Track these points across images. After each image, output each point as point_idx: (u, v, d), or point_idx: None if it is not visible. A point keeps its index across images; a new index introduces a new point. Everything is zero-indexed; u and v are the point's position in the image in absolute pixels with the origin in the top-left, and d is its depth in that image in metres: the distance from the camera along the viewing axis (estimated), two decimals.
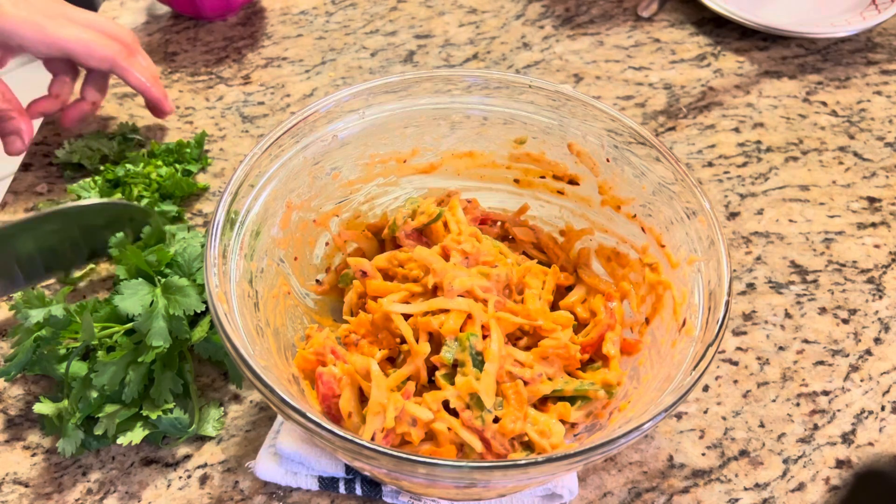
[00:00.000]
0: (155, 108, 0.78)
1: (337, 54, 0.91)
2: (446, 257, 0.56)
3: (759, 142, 0.82)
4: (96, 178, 0.73)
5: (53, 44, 0.69)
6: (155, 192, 0.72)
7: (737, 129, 0.83)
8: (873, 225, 0.74)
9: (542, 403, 0.54)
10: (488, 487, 0.50)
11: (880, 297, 0.69)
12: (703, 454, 0.59)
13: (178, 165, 0.75)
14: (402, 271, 0.57)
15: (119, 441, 0.55)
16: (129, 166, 0.73)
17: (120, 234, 0.62)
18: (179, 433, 0.57)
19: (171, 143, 0.78)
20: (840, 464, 0.59)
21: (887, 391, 0.63)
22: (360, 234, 0.63)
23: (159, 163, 0.74)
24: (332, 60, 0.90)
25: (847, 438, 0.60)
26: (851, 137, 0.83)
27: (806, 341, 0.66)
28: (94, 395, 0.56)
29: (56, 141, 0.80)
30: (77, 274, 0.68)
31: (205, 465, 0.58)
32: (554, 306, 0.59)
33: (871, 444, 0.60)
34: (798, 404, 0.62)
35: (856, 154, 0.81)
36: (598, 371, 0.55)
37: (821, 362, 0.64)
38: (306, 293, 0.60)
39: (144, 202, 0.70)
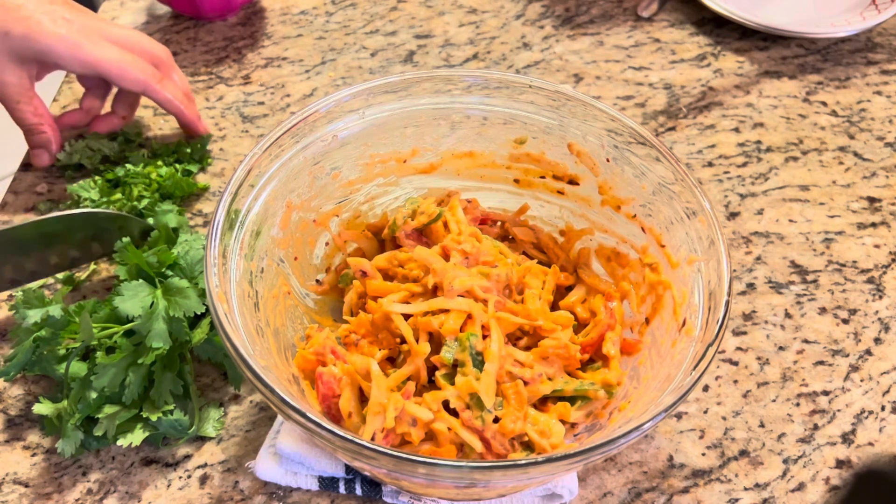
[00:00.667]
0: (188, 128, 0.79)
1: (337, 54, 0.91)
2: (446, 257, 0.56)
3: (759, 142, 0.82)
4: (96, 178, 0.73)
5: (88, 63, 0.69)
6: (155, 192, 0.72)
7: (737, 129, 0.83)
8: (873, 225, 0.74)
9: (542, 403, 0.54)
10: (488, 487, 0.50)
11: (880, 297, 0.69)
12: (703, 454, 0.59)
13: (178, 165, 0.75)
14: (402, 271, 0.57)
15: (119, 443, 0.55)
16: (129, 166, 0.73)
17: (126, 239, 0.62)
18: (179, 435, 0.57)
19: (172, 142, 0.78)
20: (840, 464, 0.59)
21: (887, 391, 0.63)
22: (360, 234, 0.63)
23: (159, 163, 0.74)
24: (332, 60, 0.90)
25: (847, 438, 0.60)
26: (851, 137, 0.83)
27: (806, 341, 0.66)
28: (94, 395, 0.56)
29: None
30: (81, 276, 0.68)
31: (205, 465, 0.58)
32: (554, 306, 0.59)
33: (871, 444, 0.60)
34: (798, 404, 0.62)
35: (856, 154, 0.81)
36: (598, 371, 0.55)
37: (821, 362, 0.64)
38: (306, 293, 0.60)
39: (144, 202, 0.70)
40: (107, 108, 0.80)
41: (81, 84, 0.78)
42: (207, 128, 0.79)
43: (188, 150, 0.77)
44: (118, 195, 0.71)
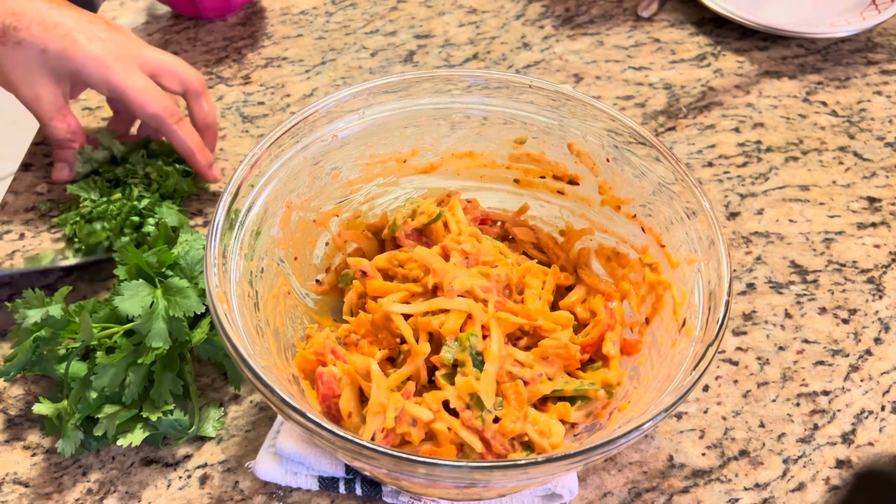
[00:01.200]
0: (197, 173, 0.75)
1: (337, 54, 0.91)
2: (446, 257, 0.56)
3: (759, 142, 0.82)
4: (96, 178, 0.73)
5: (113, 88, 0.69)
6: (155, 192, 0.72)
7: (737, 129, 0.83)
8: (873, 225, 0.74)
9: (542, 403, 0.54)
10: (488, 487, 0.50)
11: (880, 297, 0.69)
12: (703, 454, 0.59)
13: (178, 166, 0.75)
14: (402, 271, 0.57)
15: (119, 443, 0.55)
16: (129, 166, 0.73)
17: (125, 238, 0.62)
18: (179, 434, 0.57)
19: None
20: (840, 464, 0.59)
21: (887, 391, 0.63)
22: (360, 234, 0.63)
23: (159, 163, 0.74)
24: (332, 60, 0.90)
25: (847, 438, 0.60)
26: (851, 137, 0.83)
27: (806, 341, 0.66)
28: (94, 395, 0.56)
29: None
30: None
31: (205, 465, 0.58)
32: (554, 306, 0.59)
33: (871, 444, 0.60)
34: (798, 404, 0.62)
35: (856, 154, 0.81)
36: (598, 371, 0.55)
37: (821, 362, 0.64)
38: (306, 293, 0.60)
39: (144, 202, 0.70)
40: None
41: (110, 107, 0.79)
42: (219, 175, 0.75)
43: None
44: (118, 195, 0.71)
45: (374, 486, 0.56)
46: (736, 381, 0.63)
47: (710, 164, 0.79)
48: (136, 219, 0.69)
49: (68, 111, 0.72)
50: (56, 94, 0.70)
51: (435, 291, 0.54)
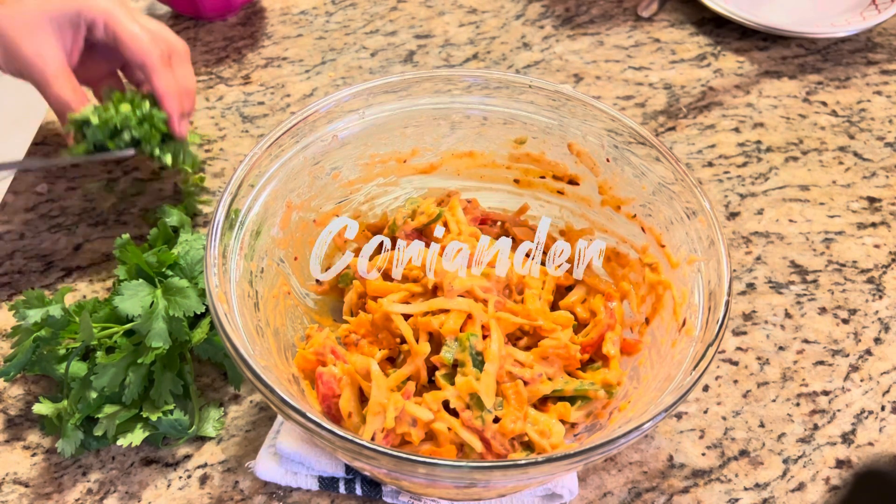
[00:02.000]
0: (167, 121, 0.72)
1: (337, 54, 0.91)
2: None
3: (759, 142, 0.82)
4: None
5: (112, 23, 0.68)
6: (155, 133, 0.69)
7: (737, 129, 0.83)
8: (873, 225, 0.74)
9: (542, 403, 0.54)
10: (488, 487, 0.50)
11: (880, 297, 0.69)
12: (703, 454, 0.59)
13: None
14: (402, 271, 0.57)
15: (119, 442, 0.55)
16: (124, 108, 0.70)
17: (125, 236, 0.62)
18: (179, 434, 0.57)
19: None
20: (840, 464, 0.59)
21: (887, 391, 0.63)
22: (360, 234, 0.63)
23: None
24: (332, 60, 0.90)
25: (847, 438, 0.60)
26: (851, 137, 0.83)
27: (806, 341, 0.66)
28: (94, 395, 0.56)
29: (56, 142, 0.80)
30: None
31: (205, 465, 0.58)
32: (554, 306, 0.59)
33: (871, 444, 0.60)
34: (798, 404, 0.62)
35: (856, 154, 0.81)
36: (598, 371, 0.55)
37: (821, 362, 0.64)
38: (306, 293, 0.60)
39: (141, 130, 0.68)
40: None
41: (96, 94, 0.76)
42: (184, 132, 0.72)
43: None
44: (126, 106, 0.68)
45: (374, 486, 0.56)
46: (736, 381, 0.63)
47: (710, 164, 0.79)
48: (163, 126, 0.67)
49: (72, 73, 0.69)
50: (60, 51, 0.67)
51: (435, 291, 0.54)
